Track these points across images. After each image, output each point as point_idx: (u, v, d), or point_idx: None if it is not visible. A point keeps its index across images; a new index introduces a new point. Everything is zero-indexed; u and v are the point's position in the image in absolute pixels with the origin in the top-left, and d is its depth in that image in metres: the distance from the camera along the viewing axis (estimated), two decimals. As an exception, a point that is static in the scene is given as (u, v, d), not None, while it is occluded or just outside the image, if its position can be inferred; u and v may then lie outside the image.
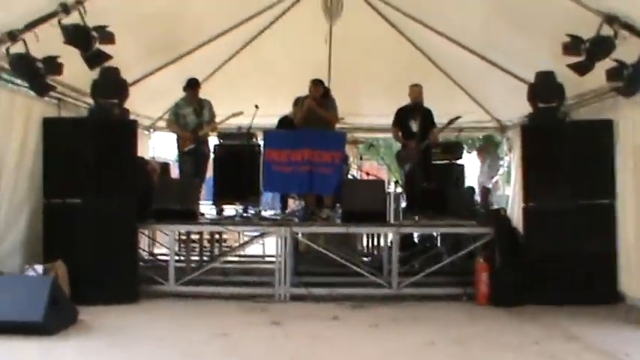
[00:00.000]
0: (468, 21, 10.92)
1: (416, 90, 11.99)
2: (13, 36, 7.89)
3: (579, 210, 9.33)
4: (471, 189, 13.18)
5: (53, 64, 8.42)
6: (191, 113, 11.78)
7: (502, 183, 15.54)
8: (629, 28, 7.87)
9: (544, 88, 9.84)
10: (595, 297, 8.97)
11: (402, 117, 12.14)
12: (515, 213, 11.88)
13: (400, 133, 12.24)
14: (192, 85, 11.70)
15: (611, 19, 7.92)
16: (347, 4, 11.37)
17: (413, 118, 11.92)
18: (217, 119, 11.88)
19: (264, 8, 12.18)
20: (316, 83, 11.60)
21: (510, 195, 13.94)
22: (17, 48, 7.98)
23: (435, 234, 12.75)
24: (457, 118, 11.87)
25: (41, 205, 9.14)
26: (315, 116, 11.49)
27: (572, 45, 8.35)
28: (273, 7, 12.29)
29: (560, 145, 9.49)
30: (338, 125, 12.17)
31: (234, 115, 11.59)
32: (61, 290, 7.83)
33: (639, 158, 8.90)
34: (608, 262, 9.23)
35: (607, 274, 9.21)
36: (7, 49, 7.94)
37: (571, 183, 9.34)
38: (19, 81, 8.70)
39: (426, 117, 11.92)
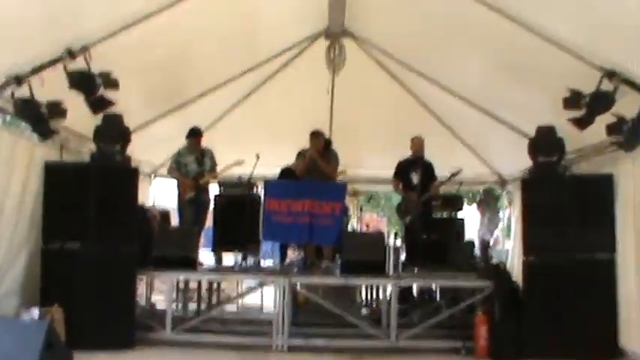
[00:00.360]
0: (470, 75, 11.01)
1: (417, 142, 12.04)
2: (18, 80, 7.95)
3: (579, 264, 9.30)
4: (471, 242, 13.16)
5: (57, 109, 8.48)
6: (193, 162, 11.79)
7: (502, 237, 15.50)
8: (629, 83, 7.93)
9: (544, 143, 9.86)
10: (595, 352, 8.85)
11: (403, 169, 12.17)
12: (515, 267, 11.86)
13: (401, 186, 12.25)
14: (195, 134, 11.73)
15: (610, 74, 7.98)
16: (349, 55, 11.49)
17: (414, 170, 11.96)
18: (218, 168, 11.88)
19: (268, 58, 12.28)
20: (316, 135, 11.61)
21: (510, 249, 13.91)
22: (22, 92, 8.02)
23: (434, 287, 12.68)
24: (458, 171, 11.92)
25: (40, 248, 9.11)
26: (316, 168, 11.49)
27: (573, 99, 8.40)
28: (276, 58, 12.38)
29: (560, 199, 9.48)
30: (339, 177, 12.16)
31: (236, 163, 11.62)
32: (56, 335, 7.75)
33: (639, 212, 8.88)
34: (608, 316, 9.15)
35: (607, 328, 9.12)
36: (12, 93, 7.98)
37: (571, 237, 9.31)
38: (22, 124, 8.72)
39: (427, 170, 11.96)
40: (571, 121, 8.62)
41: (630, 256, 9.06)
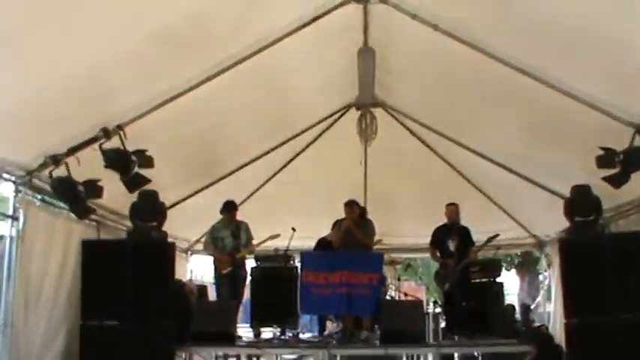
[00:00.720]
0: (501, 138, 11.03)
1: (452, 209, 11.99)
2: (55, 160, 8.07)
3: (623, 325, 9.09)
4: (511, 307, 12.99)
5: (94, 188, 8.57)
6: (228, 236, 11.80)
7: (543, 300, 15.29)
8: (662, 137, 7.90)
9: (580, 202, 9.75)
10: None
11: (439, 237, 12.10)
12: (558, 330, 11.65)
13: (438, 253, 12.18)
14: (229, 208, 11.77)
15: (643, 130, 7.96)
16: (381, 124, 11.51)
17: (450, 237, 11.87)
18: (254, 241, 11.90)
19: (300, 132, 12.41)
20: (351, 205, 11.56)
21: (552, 311, 13.70)
22: (59, 171, 8.15)
23: (476, 353, 12.48)
24: (495, 236, 11.86)
25: (79, 326, 9.12)
26: (353, 238, 11.44)
27: (606, 158, 8.36)
28: (308, 130, 12.49)
29: (600, 259, 9.31)
30: (375, 246, 12.11)
31: (272, 237, 11.67)
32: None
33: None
34: (656, 380, 8.93)
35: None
36: (50, 173, 8.11)
37: (614, 297, 9.14)
38: (60, 203, 8.83)
39: (464, 236, 11.88)
40: (606, 180, 8.56)
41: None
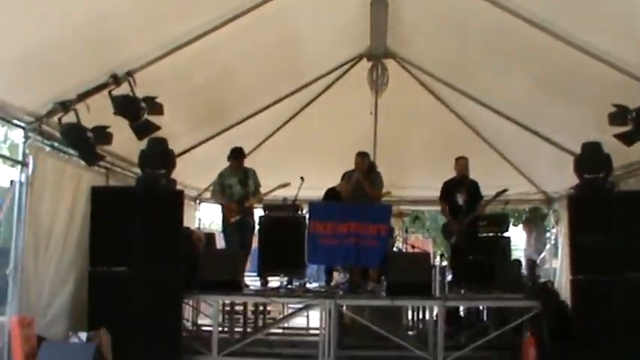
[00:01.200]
0: (513, 92, 10.94)
1: (462, 163, 11.96)
2: (65, 106, 8.04)
3: (629, 282, 9.10)
4: (518, 262, 13.00)
5: (103, 134, 8.54)
6: (236, 183, 11.80)
7: (549, 256, 15.31)
8: (677, 96, 7.81)
9: (590, 159, 9.69)
10: (648, 374, 8.70)
11: (449, 190, 12.10)
12: (563, 286, 11.67)
13: (447, 208, 12.18)
14: (237, 155, 11.74)
15: (657, 88, 7.87)
16: (392, 76, 11.45)
17: (459, 191, 11.87)
18: (264, 191, 11.92)
19: (311, 81, 12.33)
20: (362, 156, 11.57)
21: (558, 267, 13.73)
22: (68, 118, 8.12)
23: (481, 307, 12.55)
24: (504, 191, 11.82)
25: (87, 272, 9.20)
26: (362, 191, 11.45)
27: (618, 115, 8.27)
28: (318, 80, 12.42)
29: (608, 216, 9.30)
30: (384, 198, 12.11)
31: (282, 186, 11.68)
32: (104, 358, 7.84)
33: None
34: (660, 336, 8.97)
35: (661, 349, 8.93)
36: (59, 119, 8.08)
37: (620, 254, 9.14)
38: (69, 150, 8.82)
39: (473, 190, 11.87)
40: (618, 137, 8.49)
41: (682, 272, 8.90)
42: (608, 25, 7.65)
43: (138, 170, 10.04)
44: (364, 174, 11.43)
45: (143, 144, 9.58)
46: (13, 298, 7.65)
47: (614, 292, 9.11)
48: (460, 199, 11.83)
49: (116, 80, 8.22)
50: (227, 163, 11.83)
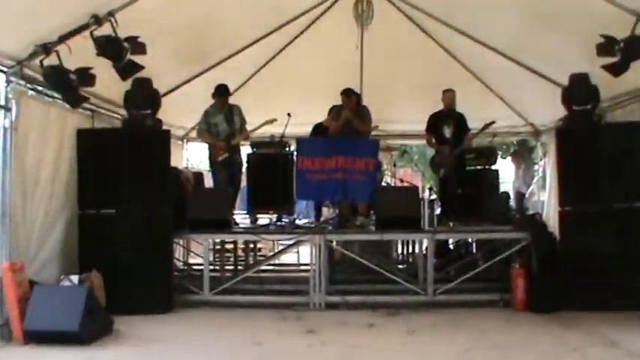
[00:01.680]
0: (500, 24, 10.83)
1: (449, 95, 11.93)
2: (46, 48, 7.91)
3: (616, 213, 9.22)
4: (506, 194, 13.07)
5: (86, 76, 8.43)
6: (222, 121, 11.69)
7: (537, 188, 15.39)
8: (664, 27, 7.75)
9: (578, 91, 9.70)
10: (635, 303, 8.80)
11: (435, 123, 12.09)
12: (551, 218, 11.77)
13: (434, 140, 12.18)
14: (221, 92, 11.60)
15: (645, 19, 7.80)
16: (377, 9, 11.33)
17: (446, 124, 11.87)
18: (250, 127, 11.85)
19: (295, 16, 12.17)
20: (348, 94, 11.53)
21: (546, 200, 13.81)
22: (50, 60, 8.01)
23: (470, 240, 12.64)
24: (491, 123, 11.85)
25: (76, 215, 9.21)
26: (351, 127, 11.43)
27: (606, 46, 8.22)
28: (304, 15, 12.28)
29: (595, 148, 9.38)
30: (371, 133, 12.09)
31: (268, 122, 11.61)
32: (96, 300, 7.90)
33: (678, 158, 8.77)
34: (647, 266, 9.10)
35: (647, 277, 9.07)
36: (41, 62, 7.97)
37: (608, 186, 9.23)
38: (53, 93, 8.73)
39: (460, 122, 11.88)
40: (605, 68, 8.44)
41: (669, 203, 8.97)
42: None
43: (123, 111, 9.98)
44: (352, 111, 11.39)
45: (128, 85, 9.49)
46: (2, 244, 7.62)
47: (602, 223, 9.21)
48: (447, 132, 11.83)
49: (97, 20, 8.05)
50: (212, 102, 11.72)
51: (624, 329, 7.98)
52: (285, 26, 12.30)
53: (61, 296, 7.63)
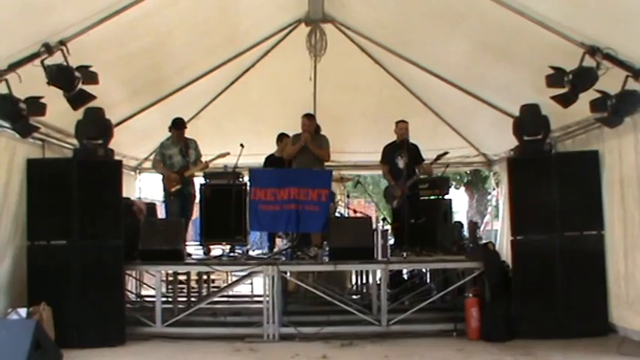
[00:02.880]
0: (451, 56, 10.98)
1: (402, 126, 11.99)
2: (-5, 77, 7.83)
3: (568, 242, 9.34)
4: (459, 224, 13.14)
5: (36, 105, 8.32)
6: (177, 154, 11.67)
7: (491, 217, 15.52)
8: (611, 58, 7.87)
9: (529, 121, 9.85)
10: (586, 329, 8.95)
11: (389, 154, 12.17)
12: (505, 247, 11.86)
13: (388, 170, 12.23)
14: (178, 125, 11.60)
15: (593, 51, 7.90)
16: (331, 41, 11.43)
17: (400, 154, 11.91)
18: (204, 159, 11.80)
19: (249, 47, 12.21)
20: (310, 117, 11.64)
21: (499, 229, 13.93)
22: (0, 89, 7.91)
23: (424, 270, 12.68)
24: (445, 154, 11.95)
25: (25, 246, 9.04)
26: (308, 152, 11.48)
27: (556, 77, 8.33)
28: (257, 46, 12.31)
29: (546, 178, 9.52)
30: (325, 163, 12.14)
31: (222, 155, 11.56)
32: (45, 334, 7.71)
33: (626, 188, 8.94)
34: (598, 293, 9.25)
35: (598, 305, 9.22)
36: (-10, 90, 7.88)
37: (559, 215, 9.36)
38: (2, 122, 8.60)
39: (413, 153, 11.93)
40: (555, 99, 8.57)
41: (618, 232, 9.13)
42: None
43: (75, 141, 9.86)
44: (311, 135, 11.44)
45: (79, 114, 9.38)
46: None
47: (553, 252, 9.33)
48: (401, 163, 11.88)
49: (49, 49, 7.98)
50: (166, 132, 11.69)
51: (577, 356, 8.08)
52: (238, 57, 12.30)
53: (8, 330, 7.44)
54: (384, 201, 13.03)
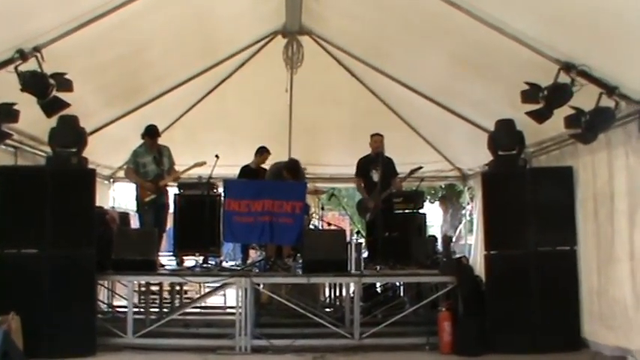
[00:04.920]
0: (428, 70, 11.03)
1: (377, 139, 12.02)
2: (-32, 83, 7.76)
3: (541, 257, 9.39)
4: (433, 238, 13.17)
5: (9, 112, 8.27)
6: (151, 162, 11.57)
7: (465, 232, 15.57)
8: (586, 75, 7.92)
9: (504, 136, 9.91)
10: (559, 344, 8.99)
11: (364, 167, 12.19)
12: (478, 261, 11.89)
13: (362, 184, 12.24)
14: (151, 132, 11.49)
15: (568, 67, 7.95)
16: (307, 53, 11.44)
17: (374, 168, 11.93)
18: (179, 169, 11.75)
19: (225, 58, 12.18)
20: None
21: (473, 243, 13.97)
22: (-29, 94, 7.85)
23: (397, 283, 12.68)
24: (419, 168, 11.95)
25: (-5, 255, 8.94)
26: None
27: (531, 93, 8.37)
28: (233, 57, 12.29)
29: (520, 193, 9.57)
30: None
31: (197, 165, 11.51)
32: (13, 344, 7.65)
33: (599, 204, 9.01)
34: (571, 308, 9.31)
35: (570, 320, 9.27)
36: (-39, 96, 7.80)
37: (533, 230, 9.41)
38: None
39: (388, 166, 11.92)
40: (530, 115, 8.60)
41: (591, 247, 9.19)
42: (522, 6, 7.72)
43: (48, 149, 9.77)
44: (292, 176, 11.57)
45: (53, 122, 9.30)
46: None
47: (527, 267, 9.37)
48: (375, 176, 11.89)
49: (23, 55, 7.91)
50: (141, 141, 11.60)
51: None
52: (215, 67, 12.28)
53: (-24, 339, 7.37)
54: (358, 214, 13.03)
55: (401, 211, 12.69)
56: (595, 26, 7.18)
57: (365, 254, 11.48)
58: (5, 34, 7.65)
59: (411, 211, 12.79)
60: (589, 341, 9.10)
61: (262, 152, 12.77)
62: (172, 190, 12.51)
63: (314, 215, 13.66)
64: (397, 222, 12.19)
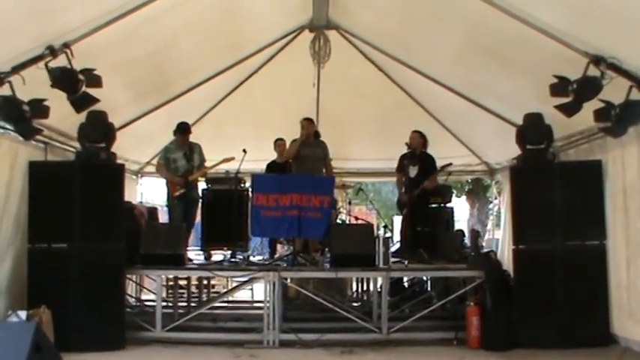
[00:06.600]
0: (456, 64, 10.96)
1: (412, 136, 11.95)
2: (-1, 79, 7.82)
3: (570, 252, 9.30)
4: (461, 232, 13.12)
5: (39, 108, 8.33)
6: (181, 158, 11.67)
7: (492, 226, 15.50)
8: (615, 68, 7.85)
9: (532, 130, 9.84)
10: (587, 339, 8.91)
11: (403, 163, 12.10)
12: (506, 256, 11.84)
13: (402, 179, 12.20)
14: (183, 129, 11.63)
15: (597, 60, 7.88)
16: (335, 47, 11.40)
17: (411, 164, 11.87)
18: (208, 164, 11.80)
19: (253, 53, 12.19)
20: (309, 120, 11.77)
21: (500, 238, 13.90)
22: (3, 91, 7.90)
23: (425, 278, 12.66)
24: (448, 165, 11.93)
25: (26, 249, 9.01)
26: (309, 160, 11.58)
27: (560, 86, 8.30)
28: (260, 52, 12.31)
29: (549, 187, 9.49)
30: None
31: (226, 160, 11.55)
32: (44, 337, 7.67)
33: (629, 198, 8.91)
34: (600, 303, 9.20)
35: (599, 315, 9.16)
36: (-7, 92, 7.86)
37: (561, 224, 9.34)
38: (5, 124, 8.58)
39: (425, 163, 11.87)
40: (558, 108, 8.54)
41: (621, 242, 9.09)
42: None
43: (77, 144, 9.84)
44: (311, 137, 11.59)
45: (82, 117, 9.36)
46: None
47: (555, 262, 9.29)
48: (412, 172, 11.84)
49: (53, 52, 7.97)
50: (169, 136, 11.72)
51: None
52: (242, 62, 12.29)
53: (8, 332, 7.40)
54: (386, 208, 13.03)
55: (429, 205, 12.64)
56: (624, 18, 7.12)
57: (393, 248, 11.45)
58: (35, 30, 7.72)
59: (438, 205, 12.75)
60: (618, 337, 9.02)
61: (277, 143, 12.95)
62: (200, 185, 12.55)
63: (341, 209, 13.65)
64: (425, 217, 12.14)
